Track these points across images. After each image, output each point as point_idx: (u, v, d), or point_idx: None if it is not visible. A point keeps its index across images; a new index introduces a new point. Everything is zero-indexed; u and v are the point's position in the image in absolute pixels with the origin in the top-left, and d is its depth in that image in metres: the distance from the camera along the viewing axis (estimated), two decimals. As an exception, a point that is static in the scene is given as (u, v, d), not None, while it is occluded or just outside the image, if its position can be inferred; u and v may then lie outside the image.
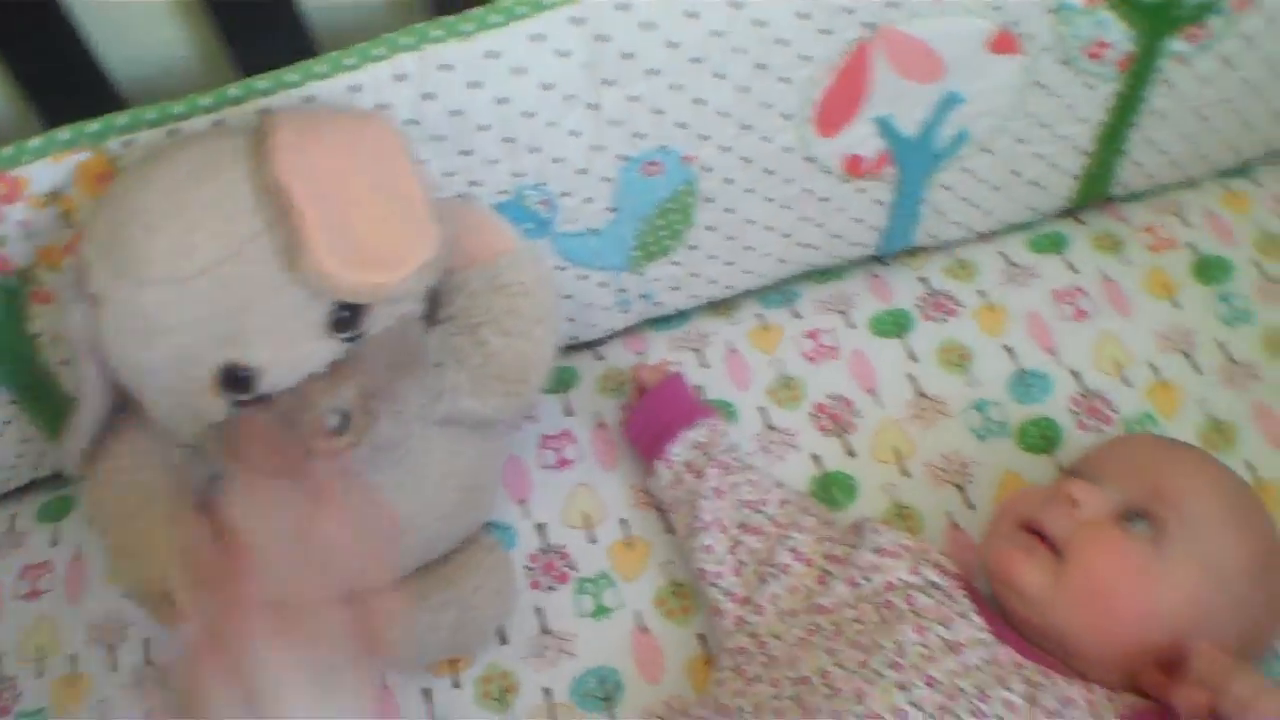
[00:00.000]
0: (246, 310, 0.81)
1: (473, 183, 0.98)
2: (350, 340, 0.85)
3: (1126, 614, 0.86)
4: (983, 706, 0.81)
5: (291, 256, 0.79)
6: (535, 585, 1.06)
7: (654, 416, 1.08)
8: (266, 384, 0.83)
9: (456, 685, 1.02)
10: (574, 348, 1.19)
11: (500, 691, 1.01)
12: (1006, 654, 0.86)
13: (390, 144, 0.86)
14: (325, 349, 0.84)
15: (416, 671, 1.02)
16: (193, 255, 0.78)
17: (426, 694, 1.01)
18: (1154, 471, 0.91)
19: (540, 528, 1.09)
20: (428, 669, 1.02)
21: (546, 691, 1.00)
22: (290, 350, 0.82)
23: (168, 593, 0.89)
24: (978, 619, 0.88)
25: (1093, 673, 0.87)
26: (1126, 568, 0.87)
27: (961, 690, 0.82)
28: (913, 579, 0.91)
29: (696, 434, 1.06)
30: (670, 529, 1.06)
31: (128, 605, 1.04)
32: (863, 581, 0.92)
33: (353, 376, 0.85)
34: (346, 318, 0.84)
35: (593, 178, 1.00)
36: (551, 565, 1.07)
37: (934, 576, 0.92)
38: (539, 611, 1.04)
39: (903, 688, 0.82)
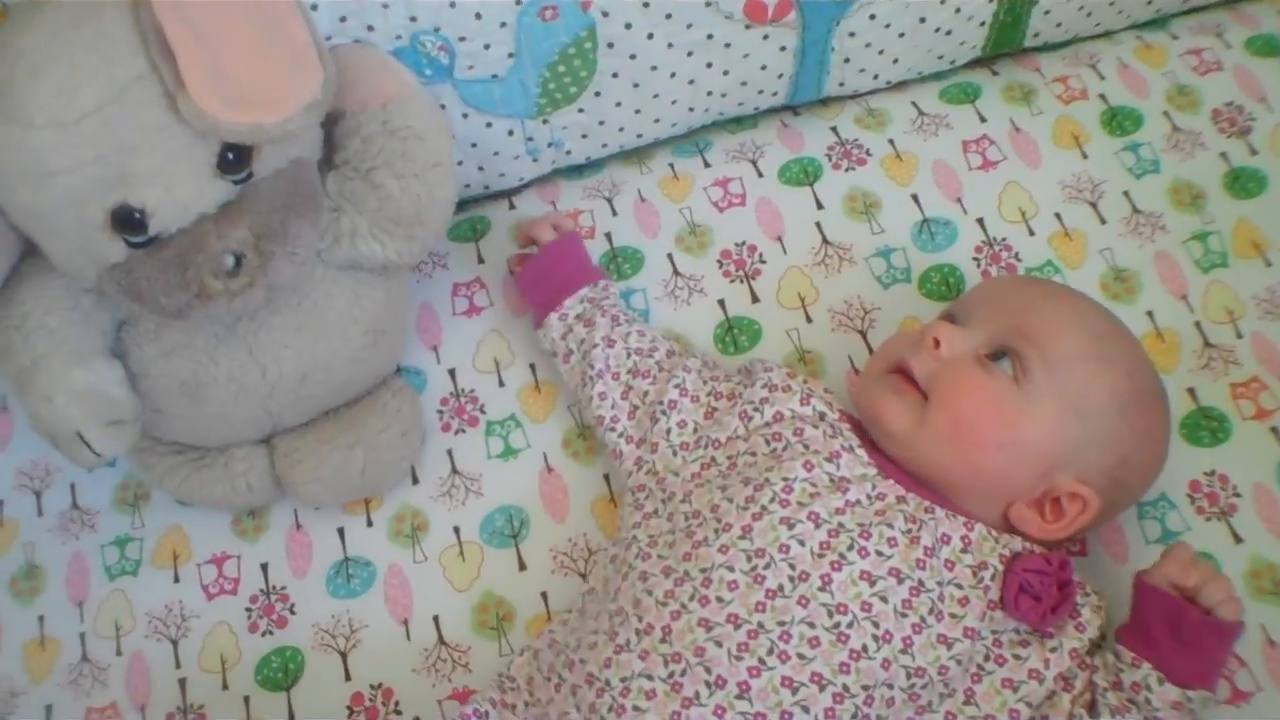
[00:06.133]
0: (134, 152, 0.82)
1: (369, 27, 0.98)
2: (240, 182, 0.86)
3: (989, 448, 0.88)
4: (863, 542, 0.84)
5: (173, 98, 0.81)
6: (446, 428, 1.08)
7: (553, 269, 1.08)
8: (158, 225, 0.84)
9: (369, 524, 1.05)
10: (487, 197, 1.20)
11: (411, 530, 1.04)
12: (890, 488, 0.88)
13: (272, -14, 0.86)
14: (215, 190, 0.86)
15: (330, 510, 1.05)
16: (76, 97, 0.80)
17: (340, 532, 1.04)
18: (1019, 310, 0.92)
19: (451, 372, 1.11)
20: (342, 508, 1.05)
21: (456, 530, 1.04)
22: (180, 191, 0.84)
23: (80, 433, 0.92)
24: (862, 452, 0.91)
25: (971, 508, 0.89)
26: (987, 404, 0.89)
27: (843, 527, 0.85)
28: (803, 410, 0.94)
29: (591, 290, 1.06)
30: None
31: (54, 451, 1.06)
32: (754, 414, 0.94)
33: (244, 217, 0.87)
34: (234, 159, 0.85)
35: (489, 23, 1.00)
36: (462, 409, 1.09)
37: (822, 408, 0.94)
38: (449, 453, 1.07)
39: (788, 524, 0.85)
